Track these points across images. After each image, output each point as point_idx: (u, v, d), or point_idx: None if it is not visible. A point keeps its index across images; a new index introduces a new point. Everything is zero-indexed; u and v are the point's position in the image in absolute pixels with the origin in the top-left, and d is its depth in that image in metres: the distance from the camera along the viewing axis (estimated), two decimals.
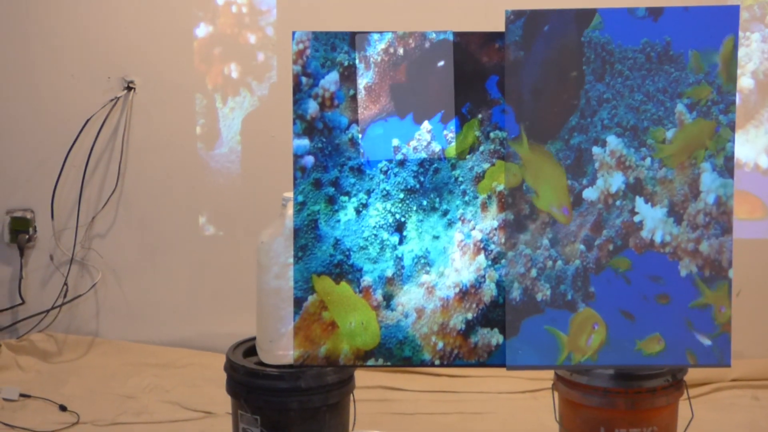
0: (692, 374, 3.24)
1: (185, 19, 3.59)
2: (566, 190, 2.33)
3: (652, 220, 2.33)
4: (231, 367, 2.46)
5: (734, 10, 2.34)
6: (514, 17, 2.33)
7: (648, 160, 2.33)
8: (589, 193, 2.34)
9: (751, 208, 3.58)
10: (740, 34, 3.48)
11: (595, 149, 2.33)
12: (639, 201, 2.34)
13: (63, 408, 3.16)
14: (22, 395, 3.24)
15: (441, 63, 2.35)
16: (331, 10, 3.52)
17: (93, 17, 3.63)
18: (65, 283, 3.73)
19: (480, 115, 2.36)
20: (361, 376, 3.25)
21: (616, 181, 2.33)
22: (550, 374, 2.59)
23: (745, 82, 3.52)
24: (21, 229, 3.70)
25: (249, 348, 2.55)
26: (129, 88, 3.64)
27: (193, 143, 3.64)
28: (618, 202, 2.34)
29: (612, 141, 2.33)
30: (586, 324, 2.32)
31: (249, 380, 2.42)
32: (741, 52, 3.49)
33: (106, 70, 3.64)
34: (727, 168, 2.32)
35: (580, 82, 2.32)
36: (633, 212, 2.34)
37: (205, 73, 3.62)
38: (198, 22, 3.58)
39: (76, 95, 3.65)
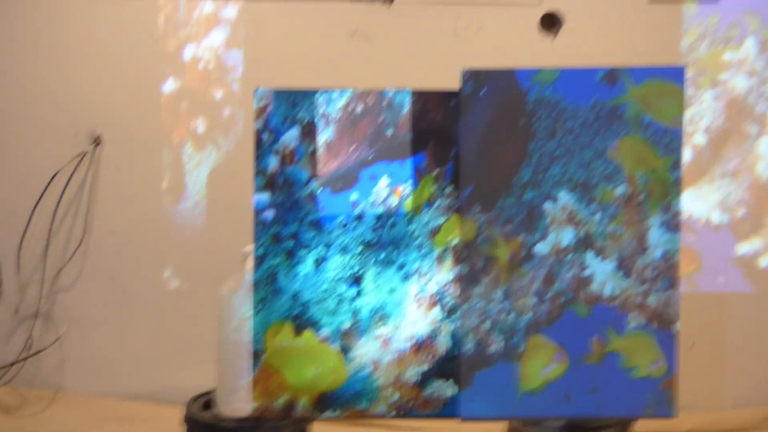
0: (643, 427, 3.29)
1: (153, 75, 3.61)
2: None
3: (602, 273, 2.38)
4: (190, 421, 2.48)
5: (680, 71, 2.41)
6: (469, 77, 2.39)
7: (598, 216, 2.38)
8: (541, 248, 2.39)
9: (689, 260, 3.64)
10: (693, 92, 3.56)
11: (547, 205, 2.39)
12: (589, 255, 2.39)
13: None
14: None
15: (398, 120, 2.41)
16: (295, 68, 3.57)
17: (61, 73, 3.65)
18: (29, 337, 3.72)
19: (436, 171, 2.41)
20: (319, 429, 3.27)
21: (567, 236, 2.39)
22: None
23: (697, 138, 3.58)
24: None
25: (208, 401, 2.56)
26: (96, 143, 3.66)
27: (159, 197, 3.66)
28: (569, 257, 2.39)
29: (563, 197, 2.39)
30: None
31: None
32: (694, 109, 3.56)
33: (74, 125, 3.65)
34: (674, 224, 2.38)
35: (531, 139, 2.38)
36: (583, 266, 2.39)
37: (172, 127, 3.64)
38: (165, 77, 3.62)
39: (43, 150, 3.66)
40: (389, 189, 2.41)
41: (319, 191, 2.40)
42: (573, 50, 3.52)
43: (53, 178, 3.64)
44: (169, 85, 3.63)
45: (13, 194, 3.70)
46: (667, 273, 2.39)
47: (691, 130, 3.57)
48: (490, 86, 2.39)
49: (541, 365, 2.38)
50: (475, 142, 2.38)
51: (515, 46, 3.52)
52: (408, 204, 2.41)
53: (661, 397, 2.39)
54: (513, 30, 3.53)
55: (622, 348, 2.37)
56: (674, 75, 2.40)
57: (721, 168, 3.58)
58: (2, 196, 3.71)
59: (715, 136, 3.58)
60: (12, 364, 3.70)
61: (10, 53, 3.67)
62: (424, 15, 3.54)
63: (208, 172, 3.64)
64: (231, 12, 3.59)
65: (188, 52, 3.60)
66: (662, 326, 2.37)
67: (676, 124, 2.38)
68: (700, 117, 3.58)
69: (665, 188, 2.38)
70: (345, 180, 2.41)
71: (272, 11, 3.58)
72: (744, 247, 3.61)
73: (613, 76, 2.39)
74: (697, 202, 3.60)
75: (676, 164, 2.38)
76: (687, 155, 3.57)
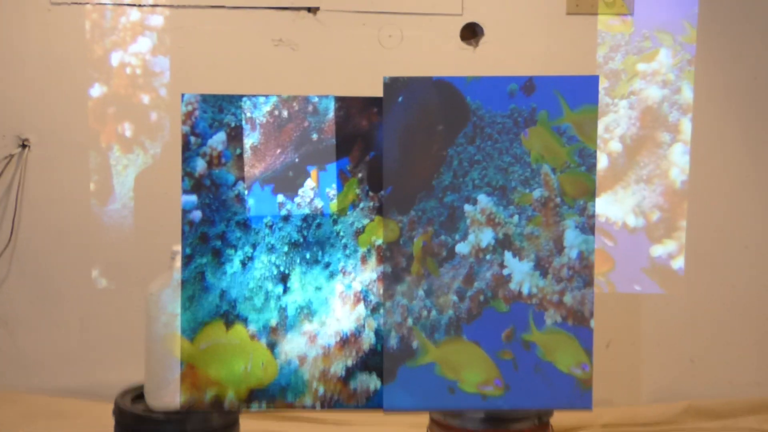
0: (562, 420, 3.38)
1: (80, 80, 3.63)
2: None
3: (520, 273, 2.46)
4: (119, 413, 2.49)
5: (594, 80, 2.50)
6: (391, 83, 2.46)
7: (516, 218, 2.46)
8: (462, 248, 2.46)
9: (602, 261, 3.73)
10: (609, 101, 3.66)
11: (467, 207, 2.46)
12: (507, 255, 2.46)
13: None
14: None
15: (323, 125, 2.46)
16: (222, 74, 3.60)
17: None
18: None
19: (360, 174, 2.47)
20: (248, 423, 3.30)
21: (486, 237, 2.46)
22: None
23: (613, 146, 3.68)
24: None
25: (138, 394, 2.58)
26: (24, 146, 3.66)
27: (87, 199, 3.67)
28: (488, 256, 2.46)
29: (482, 199, 2.46)
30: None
31: (136, 425, 2.46)
32: (609, 117, 3.67)
33: (0, 129, 3.66)
34: (588, 225, 2.47)
35: (450, 144, 2.45)
36: (502, 266, 2.46)
37: (100, 131, 3.66)
38: (93, 82, 3.63)
39: None
40: (314, 191, 2.46)
41: (245, 193, 2.45)
42: (493, 60, 3.61)
43: None
44: (96, 90, 3.64)
45: None
46: (582, 272, 2.47)
47: (607, 137, 3.67)
48: (410, 93, 2.46)
49: (480, 382, 2.44)
50: (396, 146, 2.45)
51: (438, 55, 3.60)
52: (333, 206, 2.47)
53: (577, 390, 2.46)
54: (435, 39, 3.61)
55: (539, 344, 2.44)
56: (588, 84, 2.48)
57: (636, 174, 3.69)
58: None
59: (630, 144, 3.68)
60: None
61: None
62: (348, 24, 3.61)
63: (135, 175, 3.66)
64: (158, 20, 3.62)
65: (115, 58, 3.62)
66: (578, 323, 2.45)
67: (591, 131, 2.47)
68: (615, 125, 3.68)
69: (580, 189, 2.46)
70: (271, 182, 2.47)
71: (199, 19, 3.62)
72: (658, 250, 3.72)
73: (530, 86, 2.47)
74: (614, 207, 3.70)
75: (591, 168, 2.46)
76: (603, 161, 3.67)
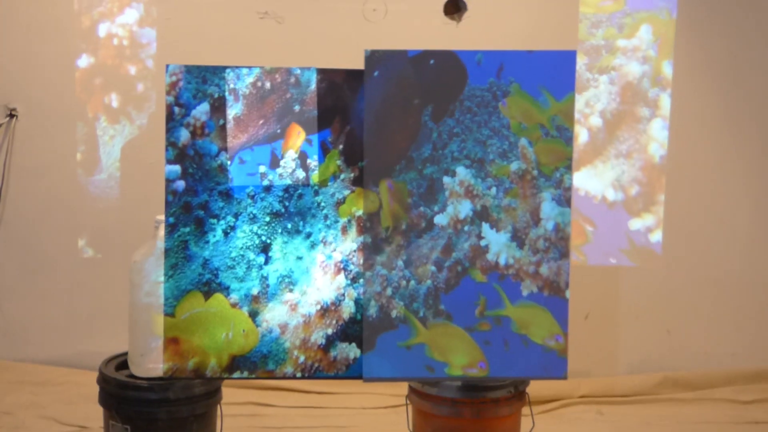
0: (541, 390, 3.43)
1: (67, 50, 3.63)
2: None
3: (497, 244, 2.48)
4: (103, 380, 2.51)
5: (572, 55, 2.51)
6: (372, 56, 2.48)
7: (493, 190, 2.48)
8: (440, 219, 2.49)
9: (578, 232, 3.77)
10: (590, 76, 3.68)
11: (446, 179, 2.48)
12: (485, 227, 2.48)
13: None
14: None
15: (305, 97, 2.48)
16: (208, 46, 3.61)
17: None
18: None
19: (341, 146, 2.49)
20: (233, 393, 3.34)
21: (465, 209, 2.48)
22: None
23: (594, 120, 3.71)
24: None
25: (121, 362, 2.60)
26: (11, 116, 3.67)
27: (74, 169, 3.68)
28: (466, 228, 2.48)
29: (461, 171, 2.48)
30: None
31: (120, 392, 2.47)
32: (590, 93, 3.69)
33: None
34: (565, 198, 2.49)
35: (431, 117, 2.47)
36: (480, 237, 2.48)
37: (86, 102, 3.67)
38: (80, 53, 3.64)
39: None
40: (296, 162, 2.48)
41: (228, 163, 2.47)
42: (476, 35, 3.62)
43: None
44: (84, 61, 3.65)
45: None
46: (558, 244, 2.49)
47: (587, 112, 3.70)
48: (390, 67, 2.48)
49: (465, 364, 2.47)
50: (380, 118, 2.46)
51: (421, 30, 3.61)
52: (314, 177, 2.49)
53: (551, 360, 2.49)
54: (419, 14, 3.62)
55: (513, 317, 2.47)
56: (566, 59, 2.50)
57: (616, 148, 3.71)
58: None
59: (610, 119, 3.70)
60: None
61: None
62: None
63: (122, 145, 3.67)
64: None
65: (103, 29, 3.63)
66: (554, 294, 2.48)
67: (569, 106, 2.49)
68: (596, 100, 3.70)
69: (557, 157, 2.48)
70: (253, 153, 2.48)
71: None
72: (636, 223, 3.75)
73: (509, 60, 2.49)
74: (593, 180, 3.73)
75: (568, 140, 2.49)
76: (584, 136, 3.70)
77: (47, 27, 3.64)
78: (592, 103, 3.70)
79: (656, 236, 3.76)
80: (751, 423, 3.40)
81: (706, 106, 3.73)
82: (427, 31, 3.62)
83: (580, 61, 3.65)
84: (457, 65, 2.48)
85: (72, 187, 3.70)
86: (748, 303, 3.83)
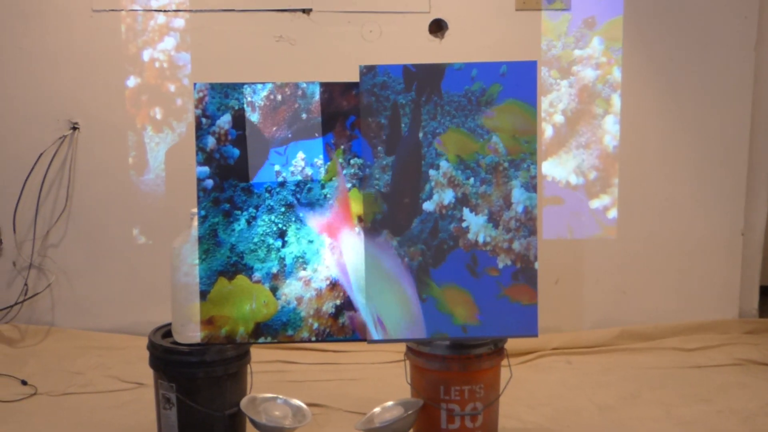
0: (520, 345, 3.39)
1: (118, 73, 3.60)
2: None
3: (476, 225, 2.44)
4: (152, 346, 2.49)
5: (533, 64, 2.46)
6: (366, 70, 2.43)
7: (472, 180, 2.43)
8: (428, 206, 2.44)
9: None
10: (553, 81, 3.62)
11: (432, 171, 2.44)
12: (466, 211, 2.44)
13: (24, 382, 3.14)
14: None
15: (311, 106, 2.43)
16: (233, 66, 3.58)
17: (44, 72, 3.63)
18: (25, 284, 3.71)
19: (342, 147, 2.44)
20: (263, 353, 3.30)
21: (448, 196, 2.44)
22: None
23: (557, 118, 3.65)
24: None
25: (167, 331, 2.57)
26: (74, 128, 3.64)
27: (127, 171, 3.65)
28: (450, 212, 2.44)
29: (444, 165, 2.44)
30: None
31: (166, 356, 2.45)
32: (553, 95, 3.63)
33: (55, 114, 3.64)
34: (532, 185, 2.44)
35: (418, 120, 2.43)
36: (461, 220, 2.44)
37: (135, 115, 3.63)
38: (128, 75, 3.60)
39: (31, 135, 3.64)
40: (305, 161, 2.44)
41: (248, 164, 2.42)
42: (456, 50, 3.57)
43: (40, 157, 3.61)
44: (132, 81, 3.61)
45: (7, 171, 3.67)
46: (527, 224, 2.45)
47: (551, 111, 3.64)
48: (393, 78, 2.43)
49: (464, 319, 2.43)
50: (375, 122, 2.42)
51: (410, 47, 3.56)
52: (321, 173, 2.45)
53: (526, 320, 2.44)
54: (408, 33, 3.57)
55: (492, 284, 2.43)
56: (528, 68, 2.44)
57: (576, 141, 3.65)
58: None
59: (570, 116, 3.65)
60: (12, 306, 3.70)
61: (1, 60, 3.63)
62: (336, 22, 3.56)
63: (165, 150, 3.64)
64: (180, 22, 3.58)
65: (146, 55, 3.58)
66: (525, 265, 2.43)
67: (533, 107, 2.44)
68: (558, 101, 3.64)
69: (524, 154, 2.43)
70: (269, 155, 2.44)
71: (214, 20, 3.57)
72: (595, 203, 3.70)
73: (482, 70, 2.44)
74: (558, 168, 3.67)
75: (533, 138, 2.44)
76: (549, 131, 3.64)
77: (101, 55, 3.60)
78: (555, 104, 3.64)
79: (612, 213, 3.71)
80: (694, 367, 3.36)
81: (651, 103, 3.68)
82: (415, 48, 3.57)
83: (544, 69, 3.60)
84: (438, 74, 2.43)
85: (126, 186, 3.66)
86: (689, 267, 3.79)
